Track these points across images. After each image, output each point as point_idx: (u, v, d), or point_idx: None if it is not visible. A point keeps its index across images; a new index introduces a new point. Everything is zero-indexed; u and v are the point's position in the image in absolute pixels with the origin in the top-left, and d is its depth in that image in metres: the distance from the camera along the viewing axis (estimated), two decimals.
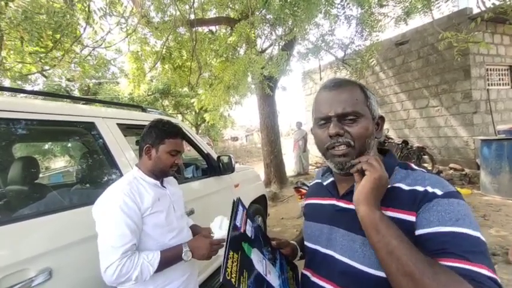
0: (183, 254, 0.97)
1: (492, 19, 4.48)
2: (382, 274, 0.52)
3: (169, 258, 0.96)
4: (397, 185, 0.57)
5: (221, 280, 0.52)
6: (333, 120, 0.59)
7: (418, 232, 0.50)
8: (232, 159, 2.22)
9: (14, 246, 0.91)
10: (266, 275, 0.62)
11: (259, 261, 0.64)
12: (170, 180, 1.21)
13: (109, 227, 0.90)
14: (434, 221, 0.48)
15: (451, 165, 5.61)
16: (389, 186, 0.57)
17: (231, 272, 0.54)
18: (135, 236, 0.92)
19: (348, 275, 0.57)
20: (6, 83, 5.77)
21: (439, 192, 0.51)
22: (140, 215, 0.96)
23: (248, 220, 0.71)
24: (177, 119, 2.28)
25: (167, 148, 1.05)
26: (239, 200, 0.72)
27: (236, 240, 0.61)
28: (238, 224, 0.65)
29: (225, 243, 0.58)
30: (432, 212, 0.49)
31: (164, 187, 1.12)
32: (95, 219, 0.95)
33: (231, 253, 0.57)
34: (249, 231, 0.69)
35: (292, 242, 0.82)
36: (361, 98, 0.61)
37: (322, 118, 0.61)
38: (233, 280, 0.53)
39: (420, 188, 0.53)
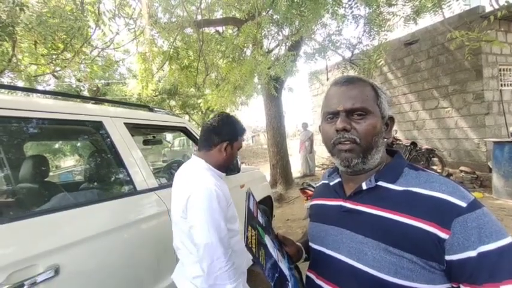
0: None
1: (506, 17, 4.37)
2: (391, 279, 0.51)
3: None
4: (411, 188, 0.55)
5: (245, 245, 0.54)
6: (341, 115, 0.59)
7: (460, 256, 0.47)
8: (238, 160, 2.21)
9: (22, 242, 0.92)
10: (278, 262, 0.63)
11: (272, 247, 0.65)
12: None
13: (210, 218, 0.90)
14: (476, 242, 0.46)
15: (462, 167, 5.47)
16: (403, 189, 0.55)
17: (251, 242, 0.56)
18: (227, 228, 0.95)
19: (356, 278, 0.55)
20: (20, 83, 5.93)
21: (462, 203, 0.49)
22: (227, 206, 0.99)
23: (259, 211, 0.73)
24: (184, 119, 2.30)
25: (239, 145, 1.12)
26: (250, 191, 0.74)
27: (252, 220, 0.63)
28: (252, 209, 0.67)
29: (244, 220, 0.60)
30: (468, 231, 0.47)
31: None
32: (190, 212, 0.94)
33: (250, 228, 0.59)
34: (260, 219, 0.71)
35: (297, 243, 0.80)
36: (372, 96, 0.60)
37: (330, 113, 0.61)
38: (253, 249, 0.55)
39: (439, 195, 0.51)
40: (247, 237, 0.56)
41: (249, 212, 0.65)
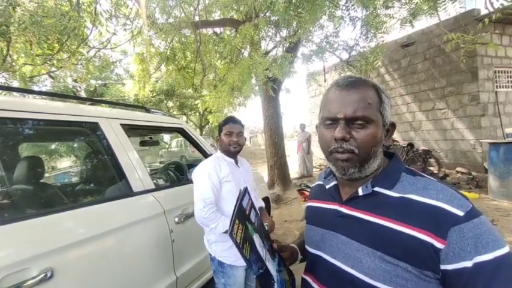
0: None
1: (500, 20, 4.42)
2: (386, 287, 0.50)
3: None
4: (408, 195, 0.53)
5: (228, 234, 0.57)
6: (341, 123, 0.55)
7: (456, 266, 0.46)
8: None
9: (16, 245, 0.91)
10: (265, 260, 0.64)
11: (260, 245, 0.66)
12: (244, 162, 1.63)
13: (199, 186, 1.35)
14: (471, 252, 0.45)
15: (458, 168, 5.51)
16: (399, 195, 0.54)
17: (236, 233, 0.58)
18: (214, 194, 1.33)
19: (350, 285, 0.55)
20: (15, 84, 5.88)
21: (459, 212, 0.48)
22: (219, 181, 1.37)
23: (253, 209, 0.75)
24: (182, 120, 2.29)
25: (223, 132, 1.47)
26: (246, 188, 0.78)
27: (242, 215, 0.65)
28: (244, 205, 0.69)
29: (232, 212, 0.63)
30: (464, 241, 0.46)
31: (238, 166, 1.52)
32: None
33: (237, 221, 0.61)
34: (253, 218, 0.72)
35: (292, 245, 0.79)
36: (375, 102, 0.56)
37: (329, 118, 0.58)
38: (238, 240, 0.57)
39: (436, 203, 0.50)
40: (232, 227, 0.58)
41: (240, 207, 0.66)
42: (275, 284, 0.63)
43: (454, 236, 0.46)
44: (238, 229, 0.60)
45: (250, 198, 0.77)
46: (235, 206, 0.65)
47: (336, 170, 0.60)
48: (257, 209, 0.79)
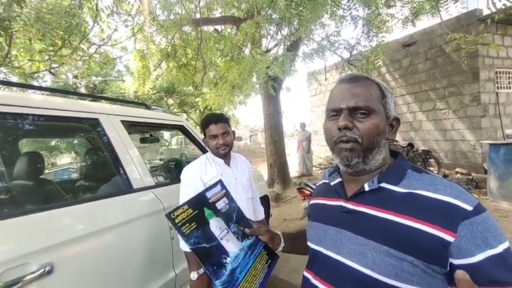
0: (192, 273, 1.19)
1: (503, 21, 4.41)
2: (391, 282, 0.50)
3: (188, 259, 1.23)
4: (415, 191, 0.54)
5: (165, 214, 0.69)
6: (344, 112, 0.58)
7: (468, 260, 0.47)
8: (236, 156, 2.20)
9: (15, 240, 0.91)
10: (221, 239, 0.73)
11: (218, 227, 0.75)
12: (239, 161, 1.51)
13: (182, 193, 1.32)
14: (481, 245, 0.47)
15: (458, 169, 5.52)
16: (406, 191, 0.55)
17: (178, 215, 0.69)
18: None
19: (354, 280, 0.55)
20: (15, 79, 5.86)
21: (468, 207, 0.49)
22: (203, 184, 1.31)
23: (225, 199, 0.82)
24: (182, 118, 2.29)
25: (208, 134, 1.38)
26: (221, 181, 0.86)
27: (198, 203, 0.75)
28: (208, 196, 0.79)
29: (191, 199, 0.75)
30: (475, 234, 0.47)
31: (230, 166, 1.43)
32: None
33: (186, 207, 0.71)
34: (221, 205, 0.80)
35: (277, 232, 0.83)
36: (377, 95, 0.59)
37: (333, 110, 0.61)
38: (177, 220, 0.68)
39: (445, 198, 0.50)
40: (174, 211, 0.68)
41: (201, 197, 0.77)
42: (227, 258, 0.71)
43: (464, 230, 0.47)
44: (183, 212, 0.70)
45: (223, 189, 0.84)
46: (196, 196, 0.76)
47: (340, 161, 0.61)
48: (235, 200, 0.85)
